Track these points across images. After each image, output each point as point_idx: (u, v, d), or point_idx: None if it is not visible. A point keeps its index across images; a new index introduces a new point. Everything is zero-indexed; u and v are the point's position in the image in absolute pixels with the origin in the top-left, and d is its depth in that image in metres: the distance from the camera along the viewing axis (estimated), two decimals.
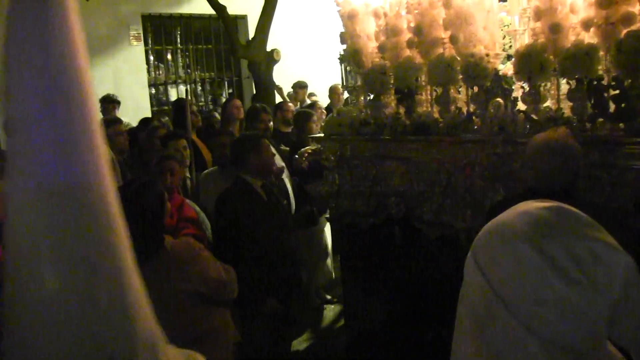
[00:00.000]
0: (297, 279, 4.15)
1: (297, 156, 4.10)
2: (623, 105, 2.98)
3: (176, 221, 3.53)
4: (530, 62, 3.14)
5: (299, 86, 9.31)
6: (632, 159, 2.93)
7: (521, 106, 3.31)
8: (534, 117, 3.16)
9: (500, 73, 3.39)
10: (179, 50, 11.02)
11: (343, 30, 4.27)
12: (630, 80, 2.94)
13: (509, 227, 1.07)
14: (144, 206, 2.59)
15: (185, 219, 3.61)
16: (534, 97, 3.23)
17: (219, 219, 3.77)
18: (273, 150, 4.58)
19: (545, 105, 3.26)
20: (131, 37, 9.68)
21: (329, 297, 5.89)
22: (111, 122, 5.25)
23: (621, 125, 2.97)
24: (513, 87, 3.38)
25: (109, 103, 7.51)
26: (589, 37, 3.11)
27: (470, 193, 3.50)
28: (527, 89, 3.27)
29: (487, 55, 3.43)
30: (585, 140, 3.00)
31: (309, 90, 9.95)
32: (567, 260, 0.99)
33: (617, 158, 2.97)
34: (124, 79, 9.50)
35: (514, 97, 3.29)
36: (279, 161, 5.41)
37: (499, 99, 3.35)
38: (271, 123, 5.86)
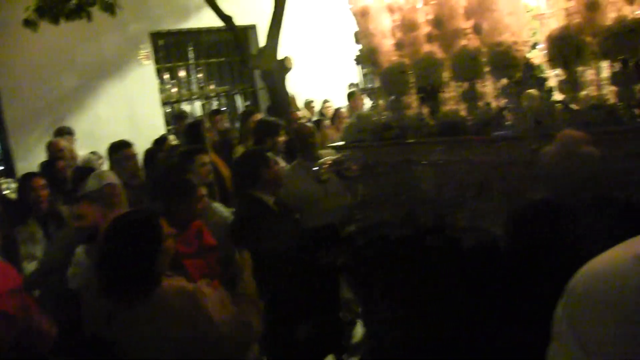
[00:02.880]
0: (330, 297, 3.93)
1: (315, 168, 3.82)
2: None
3: (196, 249, 3.29)
4: (565, 46, 2.83)
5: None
6: None
7: (557, 96, 2.99)
8: (574, 106, 2.85)
9: (536, 61, 3.08)
10: (191, 66, 10.86)
11: (357, 29, 4.00)
12: None
13: (618, 279, 0.73)
14: (135, 242, 2.32)
15: (205, 247, 3.36)
16: (571, 84, 2.91)
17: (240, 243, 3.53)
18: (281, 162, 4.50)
19: (585, 93, 2.94)
20: (141, 57, 9.52)
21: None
22: (117, 146, 5.02)
23: None
24: (548, 76, 3.06)
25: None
26: (633, 12, 2.78)
27: (506, 195, 3.19)
28: (563, 76, 2.95)
29: (516, 43, 3.12)
30: (635, 128, 2.70)
31: (325, 97, 9.73)
32: None
33: None
34: (136, 100, 9.36)
35: (549, 87, 2.97)
36: None
37: (532, 90, 3.03)
38: (282, 138, 5.61)
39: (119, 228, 2.42)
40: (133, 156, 4.99)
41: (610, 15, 2.85)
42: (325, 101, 9.84)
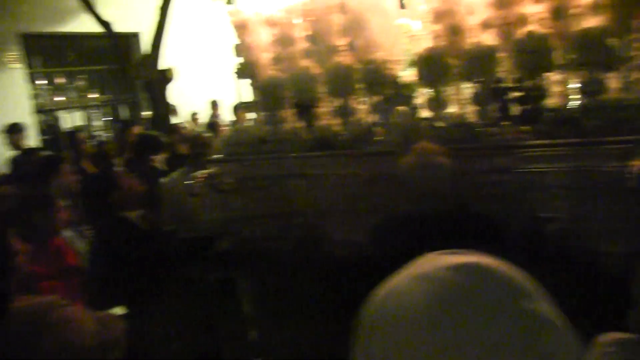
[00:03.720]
0: (208, 313, 3.89)
1: (189, 182, 3.76)
2: (526, 107, 2.87)
3: (53, 273, 3.10)
4: (432, 67, 2.98)
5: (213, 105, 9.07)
6: (538, 161, 2.81)
7: (425, 114, 3.14)
8: (439, 124, 3.00)
9: (405, 79, 3.21)
10: (71, 72, 10.38)
11: (236, 42, 3.99)
12: (531, 81, 2.84)
13: (403, 300, 0.74)
14: None
15: (66, 268, 3.19)
16: (437, 103, 3.07)
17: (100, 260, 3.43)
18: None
19: (449, 111, 3.11)
20: (8, 59, 8.95)
21: None
22: None
23: (526, 127, 2.85)
24: (416, 94, 3.20)
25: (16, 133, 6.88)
26: (489, 39, 2.99)
27: (378, 207, 3.30)
28: (430, 95, 3.11)
29: (388, 61, 3.25)
30: (491, 145, 2.89)
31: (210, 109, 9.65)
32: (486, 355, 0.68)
33: (523, 162, 2.85)
34: (3, 106, 8.75)
35: (417, 104, 3.11)
36: None
37: (401, 107, 3.16)
38: (160, 154, 5.51)
39: None
40: None
41: (470, 40, 3.05)
42: (213, 107, 9.74)
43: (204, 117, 9.84)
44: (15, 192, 3.71)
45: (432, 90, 3.09)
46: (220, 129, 6.92)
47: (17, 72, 9.20)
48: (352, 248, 3.48)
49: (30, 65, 9.54)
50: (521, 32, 2.83)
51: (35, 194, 3.39)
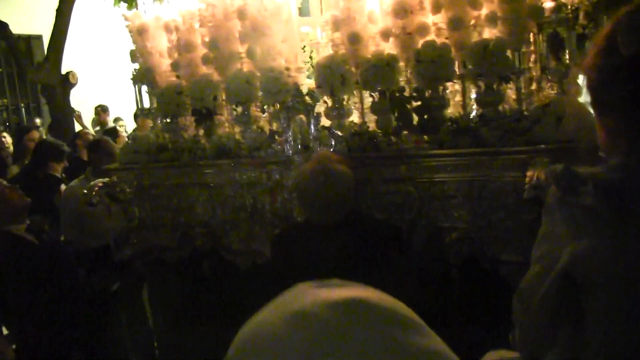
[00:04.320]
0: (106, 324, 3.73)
1: (85, 191, 3.57)
2: (426, 116, 2.90)
3: None
4: (332, 75, 2.96)
5: (102, 109, 8.65)
6: (438, 171, 2.84)
7: (326, 122, 3.11)
8: (339, 132, 2.97)
9: (308, 87, 3.17)
10: None
11: (133, 47, 3.84)
12: (430, 91, 2.87)
13: (277, 341, 0.69)
14: None
15: None
16: (337, 111, 3.05)
17: None
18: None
19: (350, 119, 3.10)
20: None
21: None
22: None
23: (425, 137, 2.87)
24: (318, 103, 3.17)
25: None
26: (389, 48, 3.00)
27: (278, 217, 3.24)
28: (330, 103, 3.08)
29: (288, 69, 3.21)
30: (391, 154, 2.89)
31: (116, 115, 9.31)
32: None
33: (423, 171, 2.87)
34: None
35: (317, 113, 3.08)
36: None
37: (301, 116, 3.12)
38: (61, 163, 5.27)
39: None
40: None
41: (370, 49, 3.05)
42: (117, 119, 9.40)
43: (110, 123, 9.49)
44: None
45: (332, 98, 3.06)
46: (120, 135, 6.67)
47: None
48: (252, 258, 3.42)
49: None
50: (421, 41, 2.84)
51: None
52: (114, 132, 7.03)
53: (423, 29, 2.86)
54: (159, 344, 4.33)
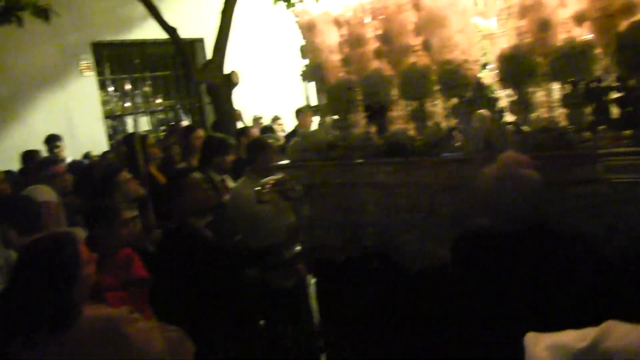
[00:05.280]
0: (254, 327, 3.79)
1: (258, 188, 3.62)
2: (628, 109, 2.58)
3: (121, 283, 3.02)
4: (517, 66, 2.73)
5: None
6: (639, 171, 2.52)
7: (509, 117, 2.89)
8: (525, 128, 2.74)
9: (486, 81, 2.97)
10: (136, 79, 10.55)
11: (303, 43, 3.83)
12: (634, 80, 2.54)
13: None
14: (49, 268, 2.10)
15: (133, 279, 3.10)
16: (523, 105, 2.81)
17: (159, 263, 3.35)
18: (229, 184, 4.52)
19: (536, 114, 2.85)
20: (81, 67, 9.13)
21: None
22: (46, 163, 4.71)
23: (627, 132, 2.56)
24: (498, 96, 2.95)
25: (54, 142, 6.95)
26: (583, 33, 2.70)
27: (456, 219, 3.06)
28: (515, 97, 2.85)
29: (466, 61, 3.01)
30: (585, 152, 2.61)
31: (275, 114, 9.55)
32: None
33: (622, 171, 2.56)
34: (76, 112, 8.95)
35: (500, 108, 2.86)
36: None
37: (482, 111, 2.92)
38: (230, 157, 5.38)
39: (32, 253, 2.19)
40: (62, 173, 4.66)
41: (560, 37, 2.78)
42: (276, 118, 9.64)
43: (266, 121, 9.76)
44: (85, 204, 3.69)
45: (517, 92, 2.82)
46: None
47: (90, 80, 9.37)
48: (424, 261, 3.27)
49: (99, 73, 9.71)
50: (624, 24, 2.53)
51: (95, 208, 3.34)
52: (270, 131, 7.18)
53: (629, 9, 2.53)
54: (325, 343, 4.31)
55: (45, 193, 3.79)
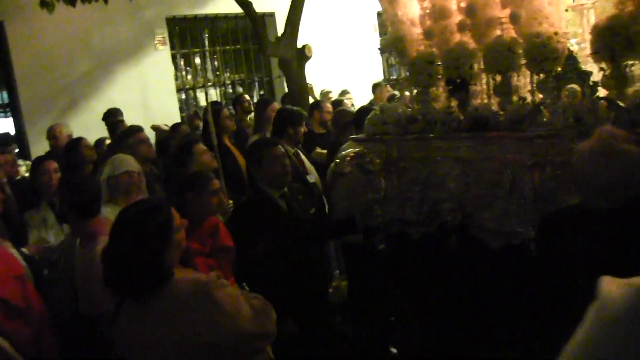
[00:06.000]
0: (322, 298, 3.81)
1: (337, 161, 3.63)
2: None
3: (208, 250, 3.10)
4: (614, 38, 2.61)
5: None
6: None
7: (602, 92, 2.78)
8: (621, 103, 2.63)
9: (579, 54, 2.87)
10: (207, 53, 10.67)
11: (383, 16, 3.79)
12: None
13: None
14: (144, 233, 2.16)
15: (220, 247, 3.18)
16: (618, 80, 2.70)
17: (235, 233, 3.41)
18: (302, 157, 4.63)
19: (633, 89, 2.73)
20: (156, 42, 9.33)
21: None
22: (131, 131, 4.84)
23: None
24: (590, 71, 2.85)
25: (115, 117, 7.14)
26: None
27: (539, 196, 2.99)
28: (609, 70, 2.74)
29: (556, 34, 2.91)
30: None
31: (344, 87, 9.50)
32: None
33: None
34: (151, 85, 9.18)
35: (593, 82, 2.76)
36: (309, 166, 5.05)
37: (573, 85, 2.82)
38: (303, 128, 5.41)
39: (126, 218, 2.26)
40: (145, 141, 4.78)
41: None
42: (345, 92, 9.58)
43: (334, 95, 9.73)
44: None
45: (612, 65, 2.72)
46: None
47: (164, 54, 9.57)
48: (505, 238, 3.21)
49: (172, 47, 9.89)
50: None
51: (188, 176, 3.44)
52: (339, 105, 7.15)
53: None
54: (395, 318, 4.31)
55: (127, 162, 3.89)
